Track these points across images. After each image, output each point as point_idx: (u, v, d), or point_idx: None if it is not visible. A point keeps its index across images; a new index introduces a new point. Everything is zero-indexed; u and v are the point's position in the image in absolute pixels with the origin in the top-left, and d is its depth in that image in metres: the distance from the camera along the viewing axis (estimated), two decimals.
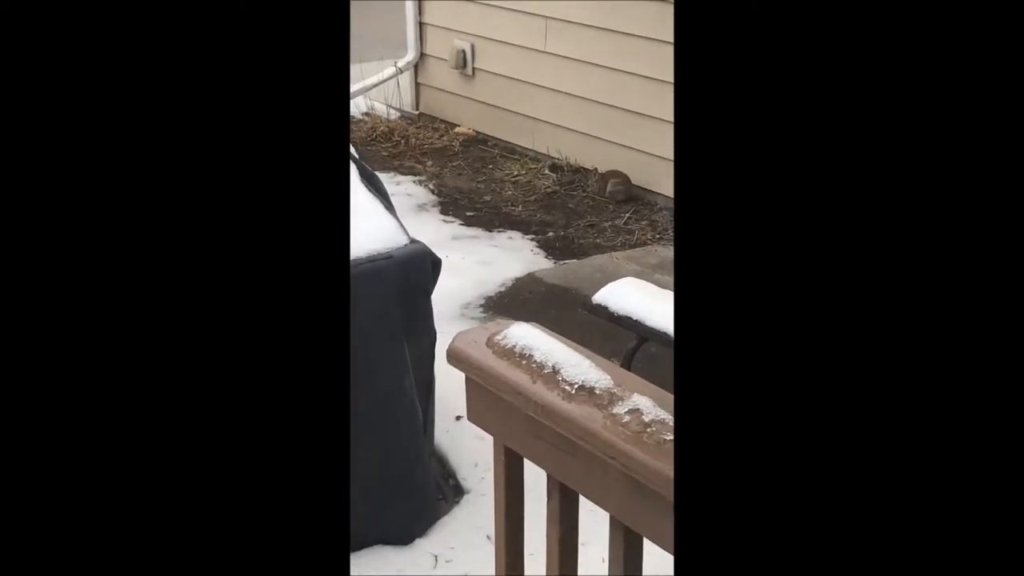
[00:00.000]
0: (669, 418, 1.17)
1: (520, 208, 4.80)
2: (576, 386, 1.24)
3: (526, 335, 1.33)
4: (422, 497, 2.77)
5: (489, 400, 1.34)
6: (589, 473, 1.23)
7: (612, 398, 1.22)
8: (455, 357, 1.35)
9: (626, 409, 1.20)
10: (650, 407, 1.19)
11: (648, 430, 1.17)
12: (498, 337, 1.34)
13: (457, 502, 2.87)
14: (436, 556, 2.67)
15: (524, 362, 1.30)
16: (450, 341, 1.38)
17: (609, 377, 1.25)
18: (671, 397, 1.22)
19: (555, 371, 1.27)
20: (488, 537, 2.68)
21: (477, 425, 1.42)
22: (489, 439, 3.30)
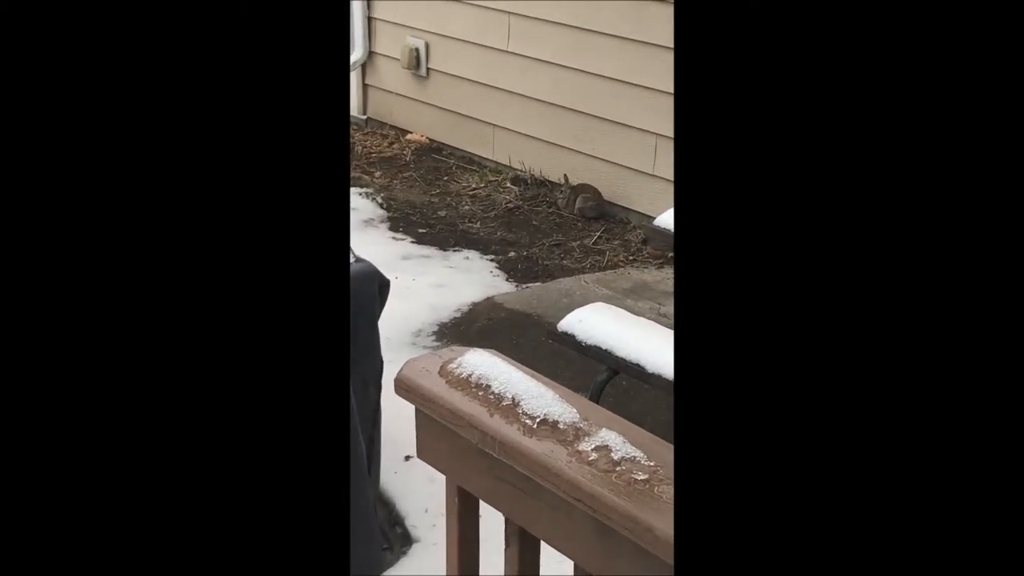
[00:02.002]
0: (640, 455, 1.19)
1: (479, 225, 4.82)
2: (538, 420, 1.25)
3: (483, 363, 1.34)
4: (365, 546, 2.76)
5: (441, 435, 1.34)
6: (552, 517, 1.24)
7: (578, 433, 1.23)
8: (404, 387, 1.36)
9: (593, 446, 1.21)
10: (620, 443, 1.20)
11: (617, 468, 1.18)
12: (452, 365, 1.35)
13: (405, 552, 2.86)
14: None
15: (481, 393, 1.31)
16: (399, 370, 1.39)
17: (575, 410, 1.26)
18: (643, 432, 1.24)
19: (515, 403, 1.28)
20: None
21: (428, 463, 1.42)
22: (442, 481, 3.30)
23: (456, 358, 1.36)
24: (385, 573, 2.79)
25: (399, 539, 2.91)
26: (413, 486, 3.07)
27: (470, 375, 1.33)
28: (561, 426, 1.24)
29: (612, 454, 1.19)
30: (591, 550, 1.22)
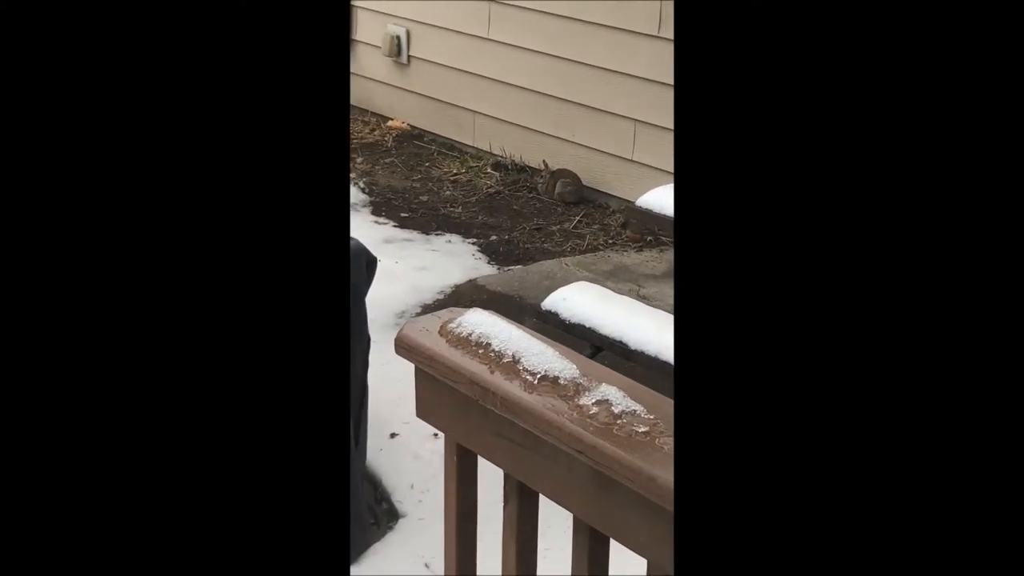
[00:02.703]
0: (641, 409, 1.20)
1: (460, 209, 4.82)
2: (539, 376, 1.26)
3: (483, 322, 1.35)
4: (353, 522, 2.77)
5: (441, 393, 1.35)
6: (552, 471, 1.25)
7: (578, 388, 1.24)
8: (404, 346, 1.37)
9: (594, 400, 1.22)
10: (620, 398, 1.21)
11: (618, 422, 1.19)
12: (452, 324, 1.36)
13: (391, 527, 2.87)
14: None
15: (481, 351, 1.31)
16: (399, 329, 1.40)
17: (574, 366, 1.27)
18: (642, 388, 1.25)
19: (515, 360, 1.29)
20: (427, 565, 2.69)
21: (426, 421, 1.43)
22: (427, 457, 3.29)
23: (456, 318, 1.37)
24: (371, 547, 2.79)
25: (385, 515, 2.92)
26: (399, 463, 3.08)
27: (470, 334, 1.34)
28: (562, 381, 1.25)
29: (613, 408, 1.20)
30: (591, 502, 1.23)
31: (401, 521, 2.89)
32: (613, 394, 1.22)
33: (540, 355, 1.28)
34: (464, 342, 1.33)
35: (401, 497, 2.98)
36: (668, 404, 1.20)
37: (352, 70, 5.87)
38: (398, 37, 5.52)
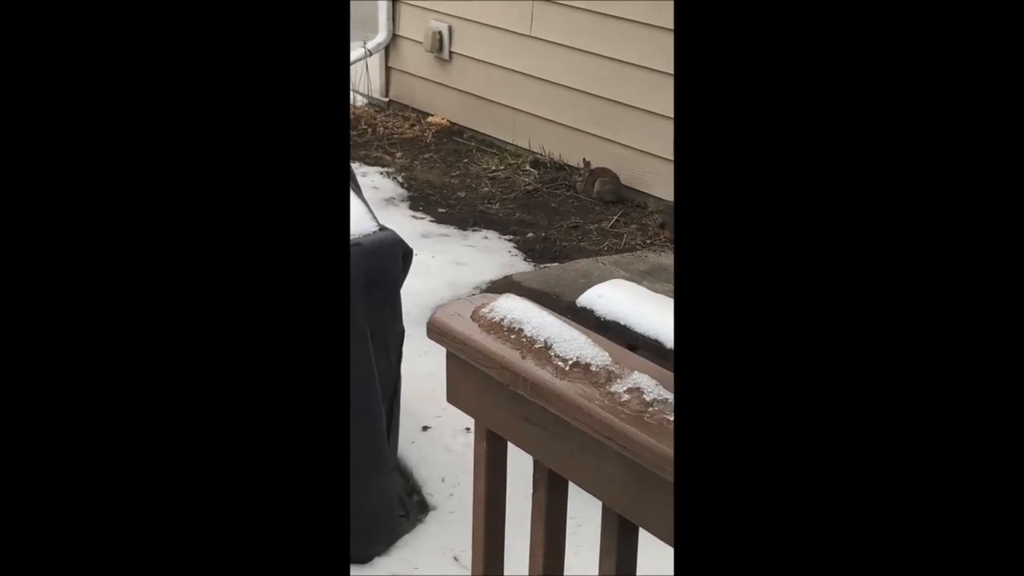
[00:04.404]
0: (672, 398, 1.19)
1: (498, 206, 4.82)
2: (570, 362, 1.26)
3: (515, 308, 1.34)
4: (383, 512, 2.77)
5: (473, 378, 1.34)
6: (582, 458, 1.25)
7: (610, 376, 1.23)
8: (437, 330, 1.36)
9: (625, 388, 1.21)
10: (652, 386, 1.20)
11: (650, 410, 1.18)
12: (484, 310, 1.35)
13: (421, 520, 2.87)
14: None
15: (513, 336, 1.31)
16: (431, 316, 1.39)
17: (607, 354, 1.26)
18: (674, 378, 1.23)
19: (547, 346, 1.28)
20: (455, 558, 2.69)
21: (457, 407, 1.42)
22: (459, 451, 3.29)
23: (488, 303, 1.36)
24: (401, 539, 2.80)
25: (415, 507, 2.92)
26: (430, 456, 3.08)
27: (502, 319, 1.33)
28: (593, 368, 1.24)
29: (644, 396, 1.19)
30: (621, 490, 1.22)
31: (431, 514, 2.89)
32: (645, 382, 1.21)
33: (572, 342, 1.27)
34: (496, 327, 1.32)
35: (432, 490, 2.98)
36: None
37: (393, 65, 5.89)
38: (440, 33, 5.53)
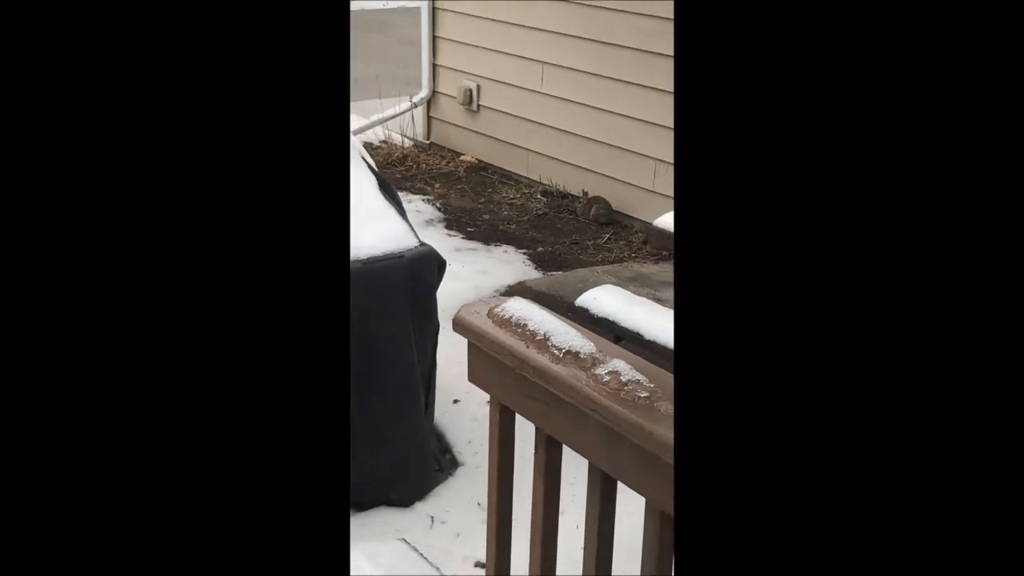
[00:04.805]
0: (643, 379, 1.19)
1: (514, 226, 4.82)
2: (564, 351, 1.26)
3: (521, 308, 1.35)
4: (422, 468, 2.78)
5: (488, 363, 1.35)
6: (572, 426, 1.25)
7: (595, 361, 1.23)
8: (460, 324, 1.37)
9: (606, 371, 1.21)
10: (627, 370, 1.21)
11: (625, 388, 1.18)
12: (497, 309, 1.36)
13: (452, 474, 2.87)
14: (432, 517, 2.68)
15: (519, 330, 1.31)
16: (456, 311, 1.40)
17: (593, 344, 1.27)
18: (645, 363, 1.24)
19: (546, 338, 1.28)
20: (479, 504, 2.69)
21: (477, 385, 1.43)
22: (483, 419, 3.28)
23: (500, 304, 1.37)
24: (435, 489, 2.80)
25: (448, 463, 2.92)
26: (460, 423, 3.08)
27: (511, 317, 1.33)
28: (582, 356, 1.24)
29: (621, 377, 1.19)
30: (602, 452, 1.22)
31: (460, 469, 2.89)
32: (622, 367, 1.21)
33: (566, 334, 1.28)
34: (506, 323, 1.33)
35: (461, 450, 2.98)
36: (666, 375, 1.19)
37: (433, 115, 5.89)
38: (471, 90, 5.53)
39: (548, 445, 1.32)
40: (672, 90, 4.37)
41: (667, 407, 1.13)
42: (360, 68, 6.56)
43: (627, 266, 4.31)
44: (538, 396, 1.28)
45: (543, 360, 1.25)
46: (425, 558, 2.51)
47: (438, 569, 2.45)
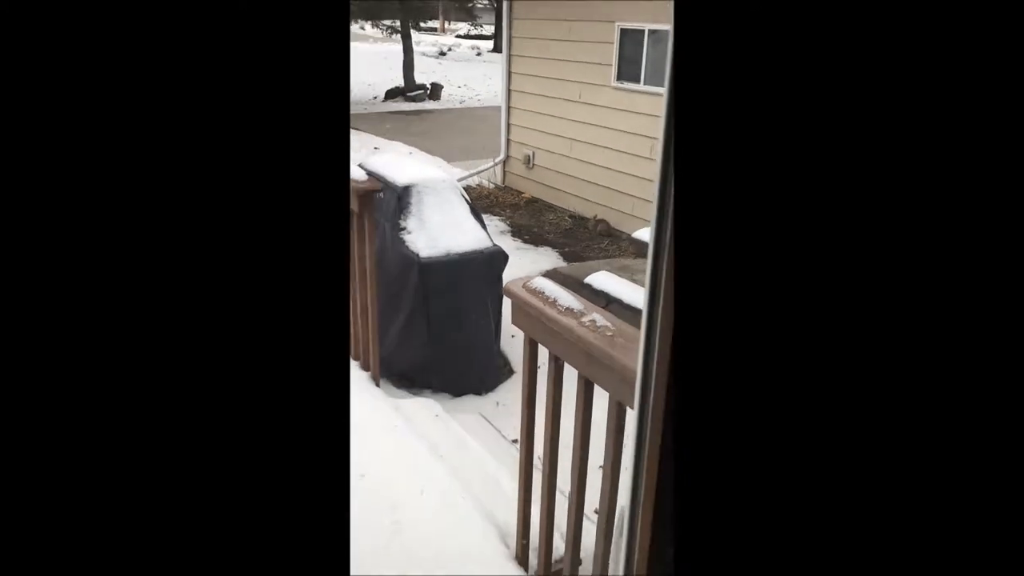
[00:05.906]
0: (610, 324, 1.19)
1: (552, 236, 4.80)
2: (564, 308, 1.27)
3: (544, 283, 1.35)
4: (492, 371, 2.81)
5: (523, 314, 1.36)
6: (569, 351, 1.25)
7: (582, 314, 1.24)
8: (507, 292, 1.38)
9: (588, 319, 1.22)
10: (602, 319, 1.22)
11: (599, 328, 1.19)
12: (529, 283, 1.37)
13: (510, 377, 2.90)
14: (497, 402, 2.71)
15: (540, 296, 1.32)
16: (503, 286, 1.41)
17: (582, 305, 1.27)
18: (613, 316, 1.24)
19: (555, 301, 1.29)
20: None
21: (517, 327, 1.43)
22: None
23: (531, 279, 1.38)
24: (499, 386, 2.82)
25: (507, 371, 2.94)
26: (515, 348, 3.07)
27: (535, 288, 1.34)
28: (575, 311, 1.25)
29: (596, 323, 1.20)
30: (584, 365, 1.22)
31: (515, 375, 2.91)
32: (598, 317, 1.22)
33: (566, 299, 1.29)
34: (533, 292, 1.34)
35: (516, 364, 2.99)
36: (625, 325, 1.19)
37: (508, 169, 5.88)
38: (529, 155, 5.50)
39: (555, 362, 1.33)
40: (651, 157, 4.34)
41: (623, 341, 1.14)
42: (470, 142, 6.57)
43: (617, 261, 4.27)
44: (550, 333, 1.29)
45: (552, 312, 1.26)
46: (493, 425, 2.55)
47: (499, 431, 2.49)
